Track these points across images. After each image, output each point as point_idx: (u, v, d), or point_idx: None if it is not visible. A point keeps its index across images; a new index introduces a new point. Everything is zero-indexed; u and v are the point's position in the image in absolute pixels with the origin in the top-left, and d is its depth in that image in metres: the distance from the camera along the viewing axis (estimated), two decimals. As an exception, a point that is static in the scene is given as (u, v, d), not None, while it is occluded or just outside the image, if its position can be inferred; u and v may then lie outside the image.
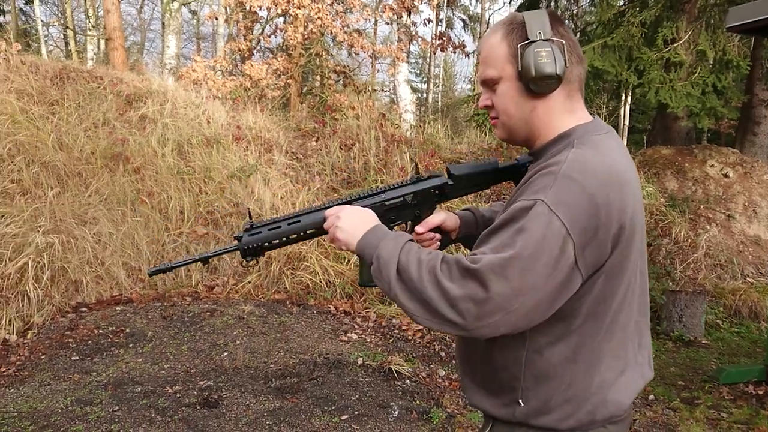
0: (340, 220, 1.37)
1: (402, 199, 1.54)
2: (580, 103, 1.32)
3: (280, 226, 1.49)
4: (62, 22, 17.88)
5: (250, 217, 1.53)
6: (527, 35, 1.25)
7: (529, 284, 1.10)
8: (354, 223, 1.36)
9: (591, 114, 1.34)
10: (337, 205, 1.48)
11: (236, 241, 1.51)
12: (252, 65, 9.64)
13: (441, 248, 1.59)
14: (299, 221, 1.50)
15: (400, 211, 1.55)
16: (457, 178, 1.57)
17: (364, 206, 1.48)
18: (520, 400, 1.25)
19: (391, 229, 1.53)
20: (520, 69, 1.24)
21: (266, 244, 1.49)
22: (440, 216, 1.57)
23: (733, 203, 7.69)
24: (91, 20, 16.01)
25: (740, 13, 3.88)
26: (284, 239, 1.50)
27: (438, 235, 1.59)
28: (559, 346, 1.21)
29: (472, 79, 26.98)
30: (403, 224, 1.59)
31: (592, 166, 1.16)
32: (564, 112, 1.30)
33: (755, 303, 6.24)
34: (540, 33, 1.24)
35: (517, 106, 1.29)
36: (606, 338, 1.22)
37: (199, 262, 1.60)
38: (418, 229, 1.54)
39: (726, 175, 8.00)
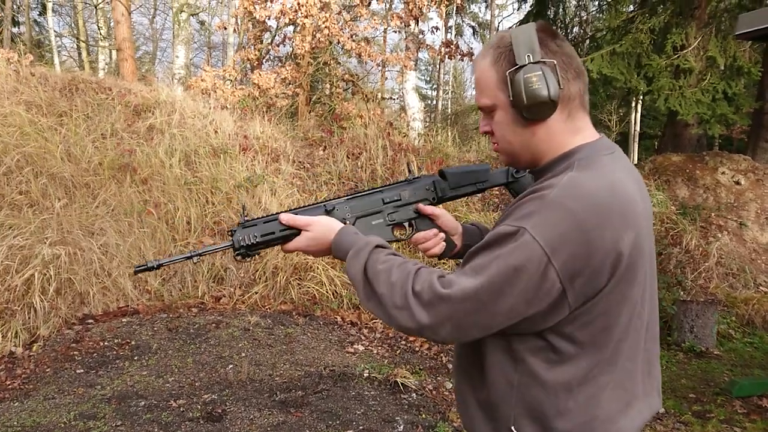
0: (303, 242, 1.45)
1: (399, 196, 1.58)
2: (583, 121, 1.26)
3: (275, 219, 1.48)
4: (74, 32, 18.06)
5: (245, 214, 1.52)
6: (515, 60, 1.19)
7: (506, 308, 1.09)
8: (317, 241, 1.43)
9: (598, 132, 1.29)
10: (339, 201, 1.54)
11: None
12: (260, 74, 9.66)
13: (444, 255, 1.59)
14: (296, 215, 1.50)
15: (397, 208, 1.58)
16: (449, 177, 1.61)
17: (364, 203, 1.56)
18: (513, 428, 1.21)
19: (392, 231, 1.58)
20: (511, 97, 1.20)
21: (261, 239, 1.47)
22: (439, 209, 1.58)
23: (745, 211, 7.59)
24: (102, 31, 16.16)
25: (750, 20, 3.83)
26: (280, 234, 1.48)
27: (442, 234, 1.58)
28: (554, 372, 1.16)
29: (482, 86, 26.90)
30: (402, 227, 1.60)
31: (586, 190, 1.11)
32: (567, 133, 1.24)
33: (756, 312, 6.14)
34: (528, 56, 1.18)
35: (514, 132, 1.25)
36: (608, 369, 1.17)
37: (188, 260, 1.54)
38: (421, 208, 1.58)
39: (738, 183, 7.90)
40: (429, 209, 1.58)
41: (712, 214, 7.38)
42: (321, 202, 1.53)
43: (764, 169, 8.20)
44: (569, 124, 1.24)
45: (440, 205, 1.62)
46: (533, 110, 1.19)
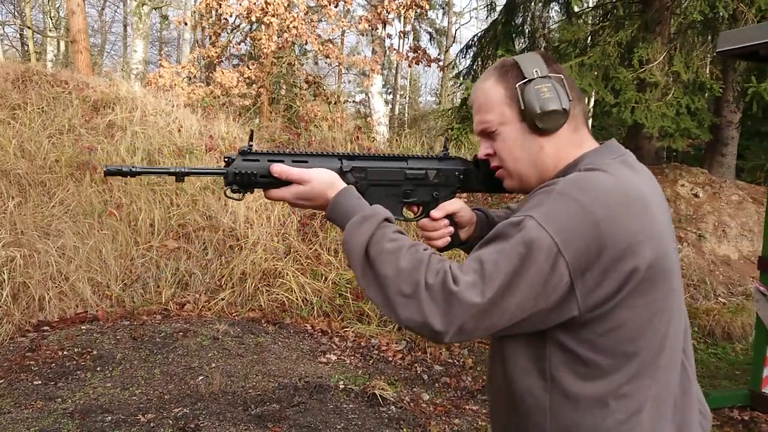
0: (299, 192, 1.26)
1: (424, 172, 1.39)
2: (587, 135, 1.26)
3: (282, 161, 1.27)
4: (21, 21, 17.28)
5: (251, 140, 1.28)
6: (523, 74, 1.20)
7: (515, 304, 1.02)
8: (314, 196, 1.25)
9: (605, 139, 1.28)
10: (357, 161, 1.34)
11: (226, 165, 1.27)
12: (223, 73, 9.41)
13: (448, 247, 1.43)
14: (306, 162, 1.29)
15: (417, 186, 1.39)
16: (484, 167, 1.38)
17: (383, 169, 1.36)
18: None
19: (401, 210, 1.39)
20: (523, 108, 1.18)
21: (260, 177, 1.26)
22: (458, 204, 1.42)
23: (704, 223, 7.79)
24: (52, 21, 15.50)
25: (731, 38, 3.89)
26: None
27: (451, 228, 1.41)
28: (586, 387, 1.09)
29: (438, 92, 27.17)
30: (414, 206, 1.42)
31: (595, 183, 1.08)
32: (573, 146, 1.22)
33: (728, 323, 6.29)
34: (536, 71, 1.20)
35: (522, 148, 1.22)
36: (646, 383, 1.10)
37: (171, 176, 1.29)
38: (435, 213, 1.39)
39: (696, 195, 8.12)
40: (451, 208, 1.41)
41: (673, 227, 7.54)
42: (336, 154, 1.33)
43: (720, 182, 8.46)
44: (575, 138, 1.23)
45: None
46: (545, 119, 1.18)
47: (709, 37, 7.62)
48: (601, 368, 1.09)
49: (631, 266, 1.03)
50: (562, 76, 1.22)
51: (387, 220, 1.15)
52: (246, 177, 1.25)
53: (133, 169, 1.23)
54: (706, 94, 7.34)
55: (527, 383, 1.14)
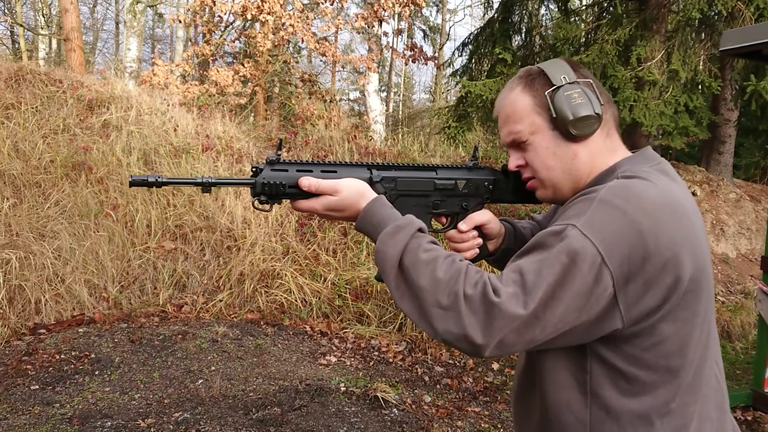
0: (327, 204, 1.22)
1: (454, 183, 1.36)
2: (619, 142, 1.23)
3: (311, 171, 1.24)
4: (12, 18, 17.11)
5: (280, 149, 1.24)
6: (551, 81, 1.17)
7: (557, 316, 0.98)
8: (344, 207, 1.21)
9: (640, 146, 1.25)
10: (386, 172, 1.30)
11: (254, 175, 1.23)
12: (218, 71, 9.33)
13: (476, 259, 1.40)
14: (335, 172, 1.26)
15: (446, 197, 1.36)
16: (513, 177, 1.36)
17: (412, 179, 1.32)
18: None
19: (430, 221, 1.35)
20: (554, 115, 1.15)
21: (288, 188, 1.21)
22: (486, 215, 1.40)
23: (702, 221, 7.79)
24: (44, 18, 15.35)
25: (734, 37, 3.87)
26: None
27: (480, 239, 1.39)
28: (630, 403, 1.06)
29: (432, 90, 27.12)
30: (443, 217, 1.39)
31: (637, 191, 1.04)
32: (606, 152, 1.19)
33: (727, 322, 6.29)
34: (564, 77, 1.17)
35: (555, 156, 1.19)
36: (691, 398, 1.08)
37: (197, 186, 1.23)
38: (462, 226, 1.36)
39: (694, 193, 8.12)
40: (480, 219, 1.39)
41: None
42: (365, 164, 1.30)
43: (718, 180, 8.47)
44: (608, 144, 1.20)
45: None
46: (578, 125, 1.14)
47: (707, 35, 7.61)
48: (644, 383, 1.06)
49: (675, 277, 1.00)
50: (591, 81, 1.19)
51: (420, 230, 1.12)
52: (274, 188, 1.21)
53: (159, 180, 1.18)
54: (704, 92, 7.31)
55: (566, 398, 1.11)
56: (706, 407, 1.10)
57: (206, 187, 1.21)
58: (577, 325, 1.00)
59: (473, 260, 1.40)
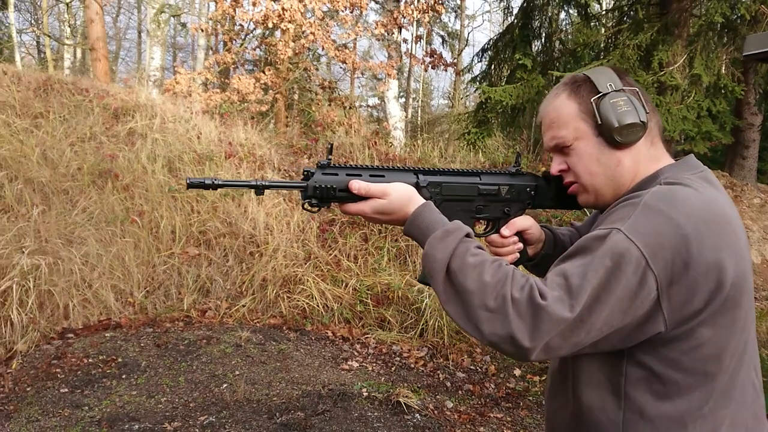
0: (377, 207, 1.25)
1: (497, 188, 1.39)
2: (663, 150, 1.24)
3: (360, 175, 1.28)
4: (39, 29, 17.46)
5: (330, 154, 1.28)
6: (597, 89, 1.19)
7: (602, 319, 0.99)
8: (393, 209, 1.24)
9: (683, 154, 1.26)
10: (432, 176, 1.34)
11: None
12: (240, 79, 9.44)
13: (516, 264, 1.42)
14: (383, 176, 1.30)
15: (489, 202, 1.39)
16: (554, 183, 1.39)
17: (457, 184, 1.35)
18: None
19: (473, 225, 1.38)
20: (599, 122, 1.17)
21: (338, 192, 1.26)
22: (528, 221, 1.42)
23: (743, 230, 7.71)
24: (69, 29, 15.65)
25: (758, 41, 3.85)
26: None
27: (521, 244, 1.42)
28: (664, 406, 1.08)
29: (451, 95, 27.10)
30: (484, 222, 1.42)
31: (681, 197, 1.06)
32: (650, 160, 1.21)
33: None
34: (610, 85, 1.19)
35: (599, 162, 1.21)
36: (724, 402, 1.09)
37: (251, 189, 1.27)
38: (504, 231, 1.39)
39: (717, 199, 8.03)
40: (522, 225, 1.41)
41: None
42: (412, 169, 1.33)
43: (741, 185, 8.37)
44: (652, 151, 1.22)
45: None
46: (624, 133, 1.16)
47: (730, 39, 7.54)
48: (679, 387, 1.07)
49: (717, 282, 1.02)
50: (637, 89, 1.21)
51: (468, 235, 1.15)
52: (325, 191, 1.25)
53: (215, 182, 1.22)
54: (727, 97, 7.24)
55: (599, 399, 1.12)
56: (740, 414, 1.11)
57: (259, 189, 1.25)
58: (620, 328, 1.01)
59: (513, 265, 1.42)
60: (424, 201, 1.24)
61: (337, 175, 1.26)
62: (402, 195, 1.23)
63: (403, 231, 1.24)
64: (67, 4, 14.53)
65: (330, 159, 1.26)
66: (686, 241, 1.00)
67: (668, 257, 0.99)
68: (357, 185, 1.24)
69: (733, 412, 1.10)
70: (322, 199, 1.26)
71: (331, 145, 1.33)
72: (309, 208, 1.27)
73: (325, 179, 1.25)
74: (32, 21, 21.58)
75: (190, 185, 1.22)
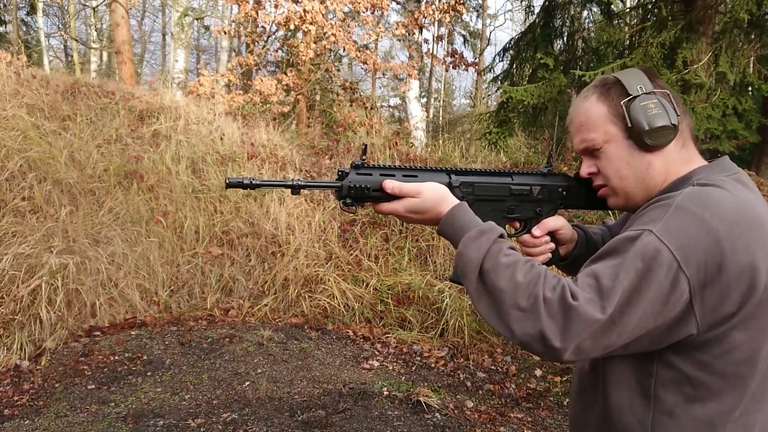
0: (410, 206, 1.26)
1: (529, 188, 1.39)
2: (695, 152, 1.23)
3: (394, 175, 1.30)
4: (66, 33, 17.80)
5: (365, 154, 1.30)
6: (627, 91, 1.18)
7: (634, 321, 0.99)
8: (426, 209, 1.26)
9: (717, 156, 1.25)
10: (464, 177, 1.35)
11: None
12: (262, 80, 9.54)
13: (548, 264, 1.42)
14: (416, 176, 1.32)
15: (521, 202, 1.40)
16: (586, 184, 1.38)
17: (489, 184, 1.36)
18: None
19: (504, 225, 1.38)
20: (630, 125, 1.16)
21: (372, 191, 1.28)
22: (559, 221, 1.42)
23: (752, 227, 7.58)
24: (96, 32, 15.93)
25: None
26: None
27: (552, 244, 1.42)
28: (694, 408, 1.07)
29: (473, 95, 27.00)
30: (517, 222, 1.42)
31: (714, 199, 1.05)
32: (681, 162, 1.20)
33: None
34: (641, 87, 1.18)
35: (629, 165, 1.20)
36: (755, 406, 1.08)
37: (288, 189, 1.30)
38: (536, 231, 1.40)
39: (743, 198, 7.90)
40: (553, 225, 1.42)
41: None
42: (444, 169, 1.35)
43: (768, 184, 8.22)
44: (684, 154, 1.21)
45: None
46: (655, 135, 1.15)
47: (757, 36, 7.42)
48: (710, 390, 1.07)
49: (750, 285, 1.01)
50: (668, 92, 1.20)
51: (501, 236, 1.16)
52: (360, 191, 1.28)
53: (254, 182, 1.26)
54: (754, 95, 7.12)
55: (628, 399, 1.12)
56: None
57: (296, 189, 1.28)
58: (652, 329, 1.01)
59: (545, 265, 1.42)
60: (458, 201, 1.25)
61: (371, 175, 1.29)
62: (435, 194, 1.25)
63: (436, 230, 1.25)
64: (94, 9, 14.79)
65: (364, 159, 1.29)
66: (719, 243, 1.00)
67: (701, 259, 0.99)
68: (391, 185, 1.26)
69: (765, 416, 1.09)
70: (356, 198, 1.29)
71: (365, 145, 1.34)
72: (344, 207, 1.30)
73: (359, 179, 1.28)
74: (60, 25, 22.02)
75: (229, 185, 1.25)
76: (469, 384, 4.55)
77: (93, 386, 4.02)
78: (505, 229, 1.39)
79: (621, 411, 1.14)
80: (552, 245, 1.42)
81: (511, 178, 1.40)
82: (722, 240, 1.00)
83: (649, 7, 9.15)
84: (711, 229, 1.00)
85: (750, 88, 7.02)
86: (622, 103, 1.18)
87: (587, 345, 1.00)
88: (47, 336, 4.50)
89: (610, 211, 1.64)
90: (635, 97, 1.17)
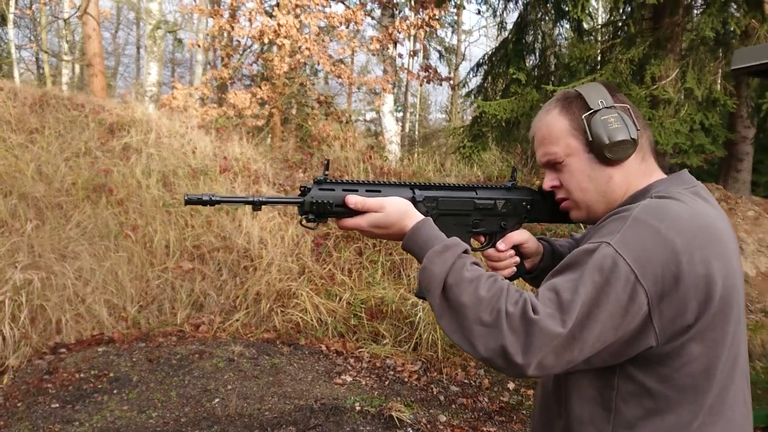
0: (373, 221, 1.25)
1: (493, 202, 1.39)
2: (655, 165, 1.25)
3: (356, 190, 1.28)
4: (38, 45, 17.55)
5: (327, 170, 1.28)
6: (588, 105, 1.20)
7: (594, 335, 0.99)
8: (390, 224, 1.24)
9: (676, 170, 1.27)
10: (428, 191, 1.34)
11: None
12: (236, 94, 9.50)
13: (513, 277, 1.43)
14: (379, 191, 1.30)
15: (486, 216, 1.39)
16: (550, 197, 1.38)
17: (454, 198, 1.35)
18: None
19: (469, 240, 1.38)
20: (590, 139, 1.17)
21: (335, 207, 1.25)
22: (524, 235, 1.42)
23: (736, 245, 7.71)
24: (68, 45, 15.73)
25: (745, 55, 3.88)
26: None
27: (517, 258, 1.42)
28: (653, 421, 1.07)
29: (448, 109, 27.20)
30: (481, 236, 1.42)
31: (671, 211, 1.06)
32: (641, 176, 1.22)
33: (747, 342, 6.20)
34: (601, 101, 1.19)
35: (590, 178, 1.21)
36: (712, 419, 1.08)
37: (248, 205, 1.27)
38: (500, 245, 1.40)
39: (712, 211, 8.04)
40: (518, 239, 1.42)
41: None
42: (408, 184, 1.33)
43: (736, 198, 8.39)
44: (643, 167, 1.22)
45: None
46: (615, 150, 1.16)
47: (722, 54, 7.60)
48: (668, 402, 1.07)
49: (706, 297, 1.02)
50: (628, 106, 1.21)
51: (466, 251, 1.15)
52: (322, 206, 1.25)
53: (213, 198, 1.23)
54: (720, 110, 7.29)
55: (590, 413, 1.12)
56: (729, 427, 1.10)
57: (256, 205, 1.26)
58: (612, 342, 1.01)
59: (510, 279, 1.43)
60: (423, 216, 1.24)
61: (333, 190, 1.27)
62: (398, 209, 1.23)
63: (401, 245, 1.24)
64: (66, 21, 14.62)
65: (326, 174, 1.27)
66: (676, 256, 1.00)
67: (658, 272, 1.00)
68: (353, 200, 1.24)
69: (722, 428, 1.09)
70: (319, 214, 1.26)
71: (328, 161, 1.33)
72: (306, 224, 1.27)
73: (321, 194, 1.26)
74: (31, 37, 21.68)
75: (188, 201, 1.22)
76: (442, 398, 4.53)
77: (57, 405, 3.91)
78: (470, 243, 1.39)
79: (583, 424, 1.14)
80: (517, 259, 1.42)
81: (476, 193, 1.40)
82: (679, 252, 1.00)
83: (619, 24, 9.34)
84: (668, 241, 1.01)
85: (716, 104, 7.17)
86: (583, 117, 1.19)
87: (550, 361, 1.00)
88: (10, 353, 4.38)
89: (581, 225, 1.65)
90: (596, 111, 1.18)
